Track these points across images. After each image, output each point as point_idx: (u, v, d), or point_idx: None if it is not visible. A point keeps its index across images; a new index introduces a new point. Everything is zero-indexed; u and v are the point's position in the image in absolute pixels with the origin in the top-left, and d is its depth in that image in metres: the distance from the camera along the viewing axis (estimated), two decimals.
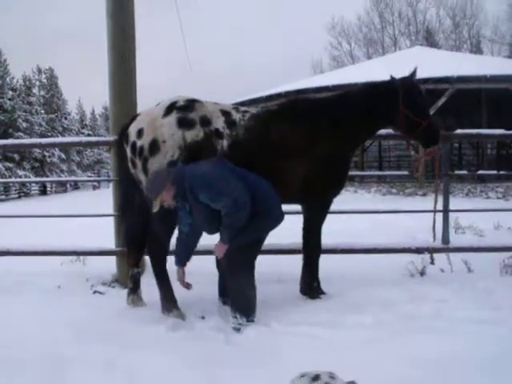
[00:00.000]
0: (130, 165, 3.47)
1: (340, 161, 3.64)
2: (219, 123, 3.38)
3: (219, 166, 3.08)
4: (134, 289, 3.65)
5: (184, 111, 3.34)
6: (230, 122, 3.41)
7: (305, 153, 3.48)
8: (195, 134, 3.31)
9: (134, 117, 3.58)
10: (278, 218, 3.17)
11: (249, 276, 3.14)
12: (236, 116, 3.46)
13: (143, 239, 3.58)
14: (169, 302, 3.40)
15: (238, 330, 3.04)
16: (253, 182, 3.08)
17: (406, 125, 3.68)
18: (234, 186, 2.94)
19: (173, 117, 3.32)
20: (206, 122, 3.35)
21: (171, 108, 3.37)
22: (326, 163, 3.52)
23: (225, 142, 3.35)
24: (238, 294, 3.10)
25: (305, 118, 3.57)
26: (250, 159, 3.34)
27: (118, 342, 2.86)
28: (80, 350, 2.75)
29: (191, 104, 3.40)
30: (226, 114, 3.45)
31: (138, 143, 3.36)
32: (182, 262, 3.31)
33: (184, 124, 3.30)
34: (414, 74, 3.72)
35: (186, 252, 3.31)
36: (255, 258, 3.22)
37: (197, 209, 3.05)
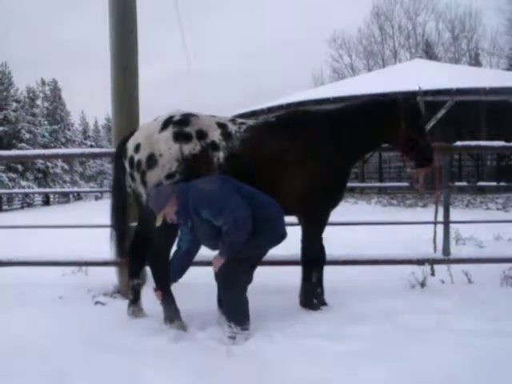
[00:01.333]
0: (129, 178, 3.54)
1: (337, 174, 3.64)
2: (215, 136, 3.43)
3: (223, 183, 3.11)
4: (135, 300, 3.67)
5: (180, 126, 3.41)
6: (226, 134, 3.46)
7: (301, 165, 3.49)
8: (192, 147, 3.37)
9: (132, 132, 3.64)
10: (278, 238, 3.21)
11: (242, 286, 3.17)
12: (232, 128, 3.51)
13: (143, 251, 3.62)
14: (171, 313, 3.41)
15: (233, 338, 3.06)
16: (256, 201, 3.10)
17: (406, 143, 3.73)
18: (235, 204, 2.96)
19: (169, 131, 3.39)
20: (202, 135, 3.41)
21: (167, 123, 3.44)
22: (322, 177, 3.53)
23: (221, 154, 3.40)
24: (233, 303, 3.13)
25: (302, 130, 3.59)
26: (247, 170, 3.39)
27: (120, 354, 2.86)
28: (81, 362, 2.75)
29: (187, 118, 3.46)
30: (222, 126, 3.50)
31: (136, 157, 3.43)
32: (173, 279, 3.41)
33: (180, 138, 3.37)
34: (417, 93, 3.79)
35: (180, 269, 3.39)
36: (250, 270, 3.27)
37: (200, 225, 3.10)
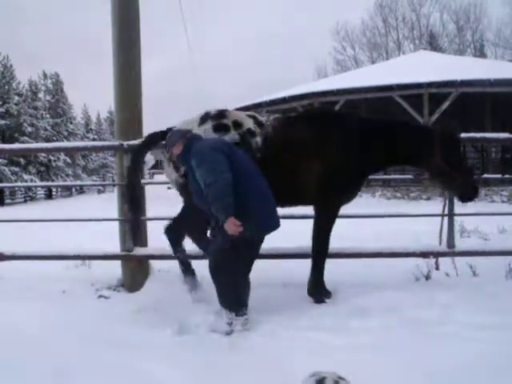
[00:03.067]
0: (173, 170, 3.76)
1: (353, 177, 3.74)
2: (250, 124, 3.71)
3: (219, 143, 3.26)
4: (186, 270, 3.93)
5: (217, 119, 3.69)
6: (259, 123, 3.74)
7: (319, 160, 3.62)
8: (231, 136, 3.64)
9: (167, 130, 3.79)
10: (264, 226, 3.20)
11: (234, 274, 3.18)
12: (262, 118, 3.81)
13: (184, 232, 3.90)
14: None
15: (230, 324, 3.13)
16: (243, 174, 3.14)
17: (435, 172, 3.70)
18: (216, 158, 3.07)
19: (208, 124, 3.67)
20: (238, 125, 3.69)
21: (205, 118, 3.72)
22: (338, 175, 3.63)
23: (258, 139, 3.65)
24: (224, 291, 3.20)
25: (334, 127, 3.74)
26: (279, 155, 3.61)
27: (123, 348, 2.86)
28: (84, 356, 2.75)
29: (222, 112, 3.75)
30: (253, 117, 3.80)
31: None
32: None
33: (219, 129, 3.65)
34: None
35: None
36: (244, 258, 3.26)
37: (189, 173, 3.30)
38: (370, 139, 3.71)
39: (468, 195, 3.73)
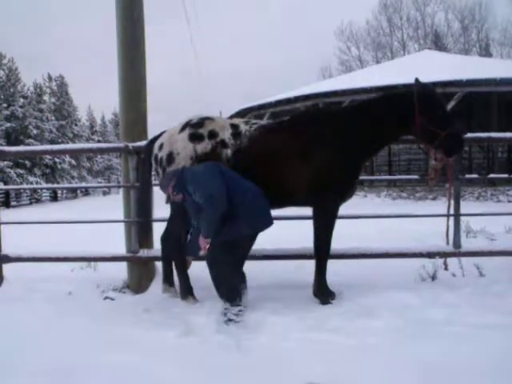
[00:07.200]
0: (156, 173, 4.03)
1: (345, 170, 3.68)
2: (226, 135, 3.79)
3: (209, 166, 3.47)
4: (166, 278, 4.10)
5: (195, 128, 3.84)
6: (236, 134, 3.80)
7: (305, 160, 3.63)
8: (203, 146, 3.78)
9: (161, 133, 4.07)
10: (254, 225, 3.44)
11: (227, 266, 3.40)
12: (243, 128, 3.84)
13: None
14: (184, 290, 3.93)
15: (225, 314, 3.34)
16: (236, 187, 3.37)
17: (424, 135, 3.65)
18: (212, 183, 3.29)
19: (186, 133, 3.84)
20: (212, 135, 3.79)
21: (186, 125, 3.90)
22: (328, 172, 3.61)
23: (229, 151, 3.74)
24: (220, 282, 3.42)
25: (309, 127, 3.74)
26: (251, 164, 3.68)
27: (128, 349, 2.86)
28: (90, 358, 2.76)
29: (202, 121, 3.88)
30: (234, 126, 3.86)
31: (159, 155, 3.92)
32: (190, 253, 3.77)
33: (194, 138, 3.80)
34: (420, 82, 3.67)
35: (194, 244, 3.63)
36: (236, 254, 3.48)
37: (187, 198, 3.47)
38: (353, 129, 3.67)
39: (453, 150, 3.71)
